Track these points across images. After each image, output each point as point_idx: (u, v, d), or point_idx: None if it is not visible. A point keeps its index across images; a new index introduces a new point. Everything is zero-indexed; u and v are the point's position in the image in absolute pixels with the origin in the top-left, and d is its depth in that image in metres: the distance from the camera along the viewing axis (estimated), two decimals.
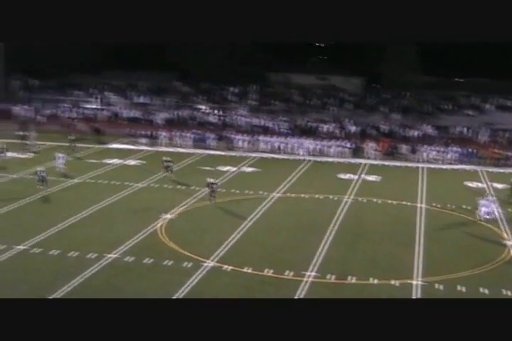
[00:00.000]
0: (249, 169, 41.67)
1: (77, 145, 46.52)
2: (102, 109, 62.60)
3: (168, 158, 39.31)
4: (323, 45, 79.20)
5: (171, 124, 55.98)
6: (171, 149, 47.95)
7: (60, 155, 39.62)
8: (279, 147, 48.51)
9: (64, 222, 28.41)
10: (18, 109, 61.41)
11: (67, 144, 46.10)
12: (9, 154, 43.12)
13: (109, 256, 24.13)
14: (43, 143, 48.30)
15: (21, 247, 24.90)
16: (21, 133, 51.60)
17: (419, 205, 33.09)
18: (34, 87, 70.63)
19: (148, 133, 50.70)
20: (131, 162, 42.61)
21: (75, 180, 36.72)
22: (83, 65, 71.35)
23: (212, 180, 33.29)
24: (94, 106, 63.45)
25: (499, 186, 37.75)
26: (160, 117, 58.78)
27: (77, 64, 71.44)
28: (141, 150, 46.90)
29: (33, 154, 44.62)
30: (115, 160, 42.71)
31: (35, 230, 27.08)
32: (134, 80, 69.22)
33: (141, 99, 64.92)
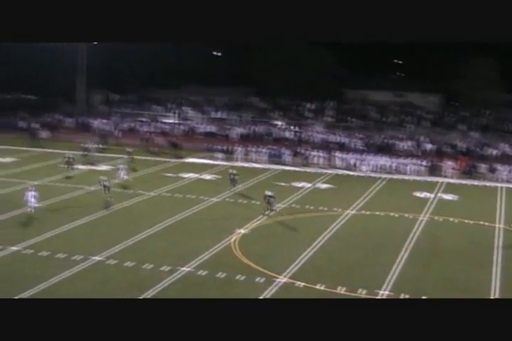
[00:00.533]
0: (324, 185, 41.49)
1: (134, 157, 47.26)
2: (179, 124, 63.56)
3: (235, 171, 39.74)
4: (401, 62, 78.52)
5: (246, 139, 56.36)
6: (246, 164, 48.24)
7: (121, 166, 40.79)
8: (354, 164, 48.17)
9: (139, 234, 28.88)
10: (97, 123, 63.02)
11: (126, 156, 47.03)
12: (82, 166, 44.19)
13: (183, 269, 24.35)
14: (120, 156, 49.36)
15: (97, 258, 25.42)
16: (100, 146, 52.96)
17: (497, 225, 32.27)
18: (114, 101, 72.38)
19: (224, 148, 51.14)
20: (207, 176, 43.03)
21: (152, 193, 37.33)
22: (162, 80, 72.77)
23: (269, 193, 33.45)
24: (171, 121, 64.51)
25: None
26: (236, 132, 59.28)
27: (157, 79, 72.90)
28: (217, 165, 47.35)
29: (90, 165, 45.69)
30: (191, 175, 43.24)
31: (111, 241, 27.62)
32: (212, 95, 70.12)
33: (218, 114, 65.65)
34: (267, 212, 32.95)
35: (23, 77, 75.36)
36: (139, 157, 49.63)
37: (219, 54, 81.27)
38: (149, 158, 49.96)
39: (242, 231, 29.96)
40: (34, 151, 50.96)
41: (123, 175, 40.11)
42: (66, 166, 43.49)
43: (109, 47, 67.90)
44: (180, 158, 50.10)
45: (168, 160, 49.14)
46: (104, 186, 35.48)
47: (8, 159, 47.42)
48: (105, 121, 63.72)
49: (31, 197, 32.08)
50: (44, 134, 57.01)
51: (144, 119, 65.18)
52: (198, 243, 27.74)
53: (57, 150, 49.70)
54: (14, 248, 26.53)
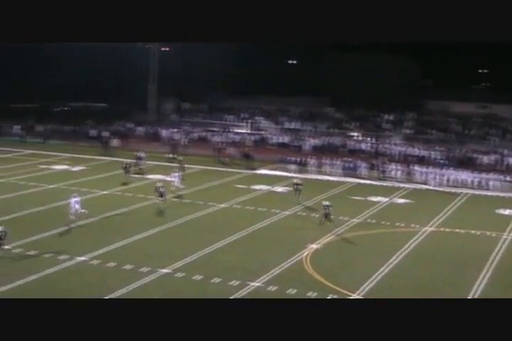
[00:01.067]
0: (402, 200, 40.97)
1: (186, 165, 47.69)
2: (252, 134, 63.93)
3: (299, 181, 39.97)
4: (486, 71, 76.97)
5: (320, 151, 56.24)
6: (319, 177, 48.09)
7: (176, 174, 41.70)
8: (434, 178, 47.38)
9: (209, 247, 29.09)
10: (167, 132, 64.02)
11: (177, 165, 47.48)
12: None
13: (252, 284, 24.38)
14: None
15: (165, 271, 25.71)
16: (170, 155, 53.71)
17: None
18: (185, 110, 73.40)
19: (297, 159, 51.10)
20: (279, 189, 43.07)
21: (222, 205, 37.60)
22: (235, 89, 73.36)
23: (327, 203, 33.51)
24: (243, 131, 64.95)
25: None
26: (310, 143, 59.23)
27: (229, 88, 73.54)
28: (290, 177, 47.30)
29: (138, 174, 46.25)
30: (262, 187, 43.36)
31: (179, 254, 27.91)
32: (286, 105, 70.29)
33: (292, 125, 65.74)
34: (322, 222, 33.11)
35: (94, 84, 77.36)
36: (210, 168, 50.19)
37: (294, 62, 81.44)
38: (220, 168, 50.38)
39: (315, 246, 29.84)
40: (104, 160, 52.04)
41: (177, 183, 41.01)
42: (123, 173, 44.61)
43: (181, 55, 69.03)
44: (252, 169, 50.34)
45: (239, 171, 49.44)
46: (160, 193, 36.36)
47: (77, 168, 48.62)
48: (175, 130, 64.67)
49: (75, 204, 33.00)
50: (114, 143, 58.32)
51: (215, 129, 65.87)
52: (269, 257, 27.75)
53: (127, 160, 50.55)
54: (81, 258, 27.12)
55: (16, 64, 75.85)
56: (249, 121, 67.57)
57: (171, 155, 53.90)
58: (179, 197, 39.40)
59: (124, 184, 42.69)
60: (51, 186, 41.62)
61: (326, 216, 32.98)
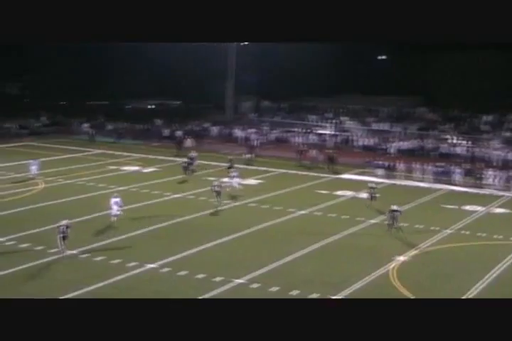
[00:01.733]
0: (500, 210, 39.99)
1: (236, 166, 47.94)
2: (336, 135, 63.67)
3: (374, 185, 40.38)
4: None
5: (411, 155, 55.52)
6: (408, 183, 47.45)
7: (235, 174, 43.20)
8: None
9: (287, 257, 29.05)
10: (243, 132, 64.39)
11: (228, 165, 48.16)
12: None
13: (333, 298, 24.24)
14: (271, 169, 50.08)
15: (239, 281, 25.79)
16: (247, 156, 54.02)
17: None
18: (264, 109, 73.68)
19: (385, 163, 50.52)
20: (364, 195, 42.64)
21: (302, 211, 37.51)
22: (319, 88, 73.23)
23: (395, 207, 33.60)
24: (327, 132, 64.73)
25: None
26: (399, 146, 58.57)
27: (312, 86, 73.47)
28: (376, 183, 46.82)
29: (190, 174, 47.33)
30: (347, 192, 43.05)
31: (255, 263, 27.97)
32: (373, 105, 69.74)
33: (380, 126, 65.15)
34: (388, 228, 33.52)
35: (169, 82, 78.57)
36: (290, 171, 50.19)
37: (383, 57, 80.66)
38: (301, 172, 50.33)
39: (402, 258, 29.42)
40: (177, 161, 52.64)
41: (235, 183, 42.46)
42: (183, 171, 46.76)
43: (261, 50, 69.28)
44: (336, 173, 50.09)
45: (322, 175, 49.25)
46: (216, 192, 37.95)
47: (148, 169, 49.39)
48: (253, 130, 64.99)
49: (114, 204, 33.99)
50: (188, 143, 58.95)
51: (296, 129, 65.88)
52: (352, 269, 27.53)
53: (200, 161, 51.07)
54: (151, 265, 27.49)
55: (90, 60, 77.87)
56: (334, 121, 67.30)
57: (247, 156, 54.17)
58: (256, 202, 39.54)
59: (181, 183, 43.46)
60: (121, 188, 42.36)
61: (393, 221, 33.25)
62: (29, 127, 67.12)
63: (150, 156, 52.05)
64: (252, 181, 46.32)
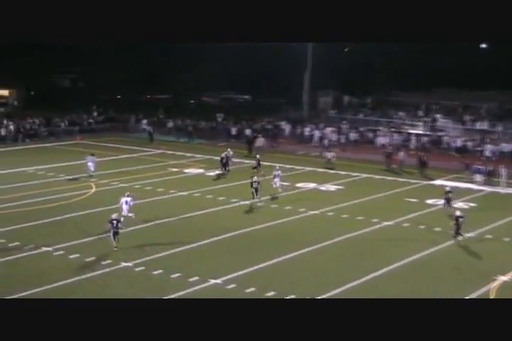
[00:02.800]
0: None
1: (279, 165, 47.73)
2: (427, 135, 62.98)
3: (448, 188, 40.58)
4: None
5: None
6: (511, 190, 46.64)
7: (277, 173, 43.69)
8: None
9: (370, 274, 28.88)
10: (321, 131, 64.19)
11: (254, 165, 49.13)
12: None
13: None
14: (352, 173, 49.85)
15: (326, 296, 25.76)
16: (330, 157, 53.90)
17: None
18: (345, 106, 73.33)
19: (486, 168, 49.61)
20: (460, 204, 41.99)
21: (389, 223, 37.18)
22: (408, 81, 72.53)
23: (460, 214, 34.24)
24: (417, 131, 64.05)
25: None
26: (502, 148, 57.60)
27: (401, 79, 72.77)
28: (475, 191, 46.15)
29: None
30: (440, 201, 42.42)
31: (333, 280, 27.91)
32: (471, 101, 68.69)
33: (479, 125, 64.18)
34: (453, 235, 34.03)
35: (235, 74, 79.03)
36: (375, 176, 49.85)
37: (484, 46, 79.26)
38: (388, 177, 49.98)
39: (504, 278, 28.86)
40: (245, 163, 52.79)
41: (277, 183, 43.35)
42: (220, 167, 49.43)
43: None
44: (428, 179, 49.52)
45: (412, 181, 48.76)
46: (256, 189, 40.35)
47: (213, 172, 49.61)
48: (331, 129, 64.76)
49: (124, 204, 34.84)
50: (259, 142, 58.87)
51: (381, 128, 65.41)
52: (443, 289, 27.24)
53: (272, 163, 51.08)
54: (216, 281, 27.62)
55: (149, 51, 78.98)
56: (426, 119, 66.56)
57: (328, 157, 54.07)
58: (334, 211, 39.38)
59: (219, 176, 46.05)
60: (182, 193, 42.69)
61: (457, 227, 33.80)
62: (81, 123, 68.21)
63: (215, 157, 52.29)
64: (330, 187, 46.19)
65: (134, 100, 79.85)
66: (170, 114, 71.83)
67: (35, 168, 49.50)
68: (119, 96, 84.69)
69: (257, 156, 50.22)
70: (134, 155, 56.62)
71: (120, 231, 31.65)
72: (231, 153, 50.80)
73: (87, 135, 65.10)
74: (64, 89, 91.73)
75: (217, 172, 49.59)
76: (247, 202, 40.74)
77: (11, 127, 62.42)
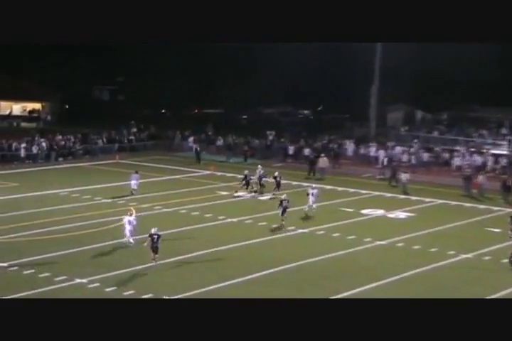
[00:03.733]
0: None
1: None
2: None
3: None
4: None
5: None
6: None
7: (313, 191, 44.62)
8: None
9: None
10: (389, 151, 63.66)
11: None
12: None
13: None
14: (425, 199, 49.43)
15: None
16: (390, 182, 53.63)
17: None
18: (418, 122, 72.89)
19: None
20: None
21: (465, 255, 36.71)
22: (490, 94, 71.97)
23: None
24: (502, 152, 63.36)
25: None
26: None
27: (481, 92, 72.22)
28: None
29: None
30: None
31: None
32: None
33: None
34: None
35: (293, 86, 79.12)
36: (451, 202, 49.37)
37: None
38: (467, 203, 49.67)
39: None
40: (303, 187, 52.60)
41: (312, 202, 44.18)
42: (242, 185, 50.20)
43: (413, 51, 68.55)
44: None
45: (494, 208, 48.18)
46: (285, 208, 41.11)
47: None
48: (403, 148, 64.29)
49: (127, 224, 35.69)
50: (323, 163, 58.38)
51: (459, 148, 64.81)
52: None
53: (338, 187, 50.89)
54: None
55: (198, 61, 79.58)
56: (511, 138, 65.83)
57: (389, 182, 53.77)
58: (405, 241, 38.98)
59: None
60: (233, 219, 42.61)
61: None
62: (120, 141, 68.66)
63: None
64: (400, 214, 45.86)
65: (180, 115, 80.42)
66: (219, 131, 72.04)
67: (69, 190, 49.80)
68: (163, 111, 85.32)
69: (275, 174, 50.63)
70: (179, 176, 56.77)
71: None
72: (262, 171, 51.47)
73: (126, 154, 65.61)
74: (103, 102, 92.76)
75: (242, 193, 50.08)
76: (305, 231, 40.53)
77: (43, 144, 62.92)
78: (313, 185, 46.30)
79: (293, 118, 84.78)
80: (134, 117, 74.67)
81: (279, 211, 41.43)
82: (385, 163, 60.15)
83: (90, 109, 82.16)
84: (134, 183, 48.43)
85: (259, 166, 52.57)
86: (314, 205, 44.18)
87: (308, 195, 44.33)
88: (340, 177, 56.35)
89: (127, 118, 74.09)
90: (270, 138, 69.56)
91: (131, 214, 36.23)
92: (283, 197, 42.22)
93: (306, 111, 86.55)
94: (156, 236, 33.13)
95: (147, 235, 33.80)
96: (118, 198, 47.27)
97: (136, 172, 49.55)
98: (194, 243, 37.24)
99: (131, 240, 35.74)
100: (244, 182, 50.09)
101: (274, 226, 41.24)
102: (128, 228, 35.77)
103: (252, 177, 50.79)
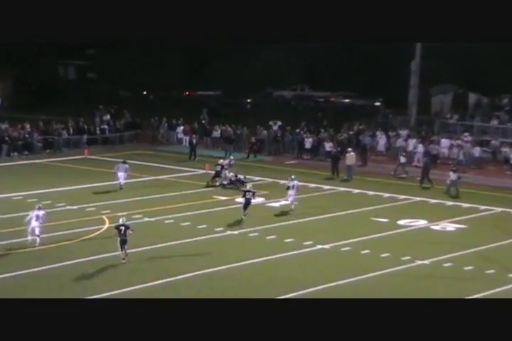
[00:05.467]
0: None
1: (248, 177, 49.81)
2: None
3: None
4: None
5: None
6: None
7: (293, 183, 46.73)
8: None
9: None
10: (433, 145, 63.49)
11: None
12: None
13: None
14: (483, 207, 49.39)
15: None
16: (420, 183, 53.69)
17: None
18: (472, 108, 72.69)
19: None
20: None
21: None
22: None
23: None
24: None
25: None
26: None
27: None
28: None
29: None
30: None
31: None
32: None
33: None
34: None
35: (316, 66, 79.00)
36: None
37: None
38: None
39: None
40: (323, 190, 52.47)
41: (291, 197, 46.53)
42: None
43: None
44: None
45: None
46: (248, 201, 44.21)
47: (280, 202, 49.20)
48: (451, 141, 64.06)
49: (34, 220, 36.89)
50: (350, 159, 57.99)
51: None
52: None
53: (369, 191, 50.75)
54: None
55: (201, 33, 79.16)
56: None
57: (420, 183, 53.94)
58: (453, 260, 38.83)
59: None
60: (232, 232, 42.59)
61: None
62: (90, 131, 68.26)
63: (282, 181, 51.99)
64: (448, 226, 45.99)
65: (167, 98, 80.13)
66: (217, 119, 71.79)
67: (23, 193, 49.57)
68: (145, 93, 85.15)
69: (220, 161, 53.52)
70: (165, 176, 56.67)
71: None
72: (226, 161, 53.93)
73: (98, 147, 65.45)
74: (68, 81, 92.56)
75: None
76: (326, 246, 40.32)
77: None
78: (293, 176, 47.37)
79: (311, 102, 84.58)
80: (108, 101, 74.44)
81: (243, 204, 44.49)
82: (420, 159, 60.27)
83: (53, 91, 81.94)
84: (121, 175, 49.32)
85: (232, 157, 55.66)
86: (293, 199, 46.23)
87: (288, 188, 46.24)
88: (371, 177, 56.30)
89: (100, 103, 73.85)
90: (275, 128, 69.13)
91: (39, 208, 37.03)
92: (247, 187, 45.09)
93: (327, 94, 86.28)
94: (122, 228, 35.67)
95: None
96: (86, 204, 47.03)
97: (124, 163, 50.52)
98: (182, 262, 37.09)
99: (30, 238, 36.67)
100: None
101: (289, 240, 41.07)
102: (33, 224, 36.45)
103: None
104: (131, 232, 36.17)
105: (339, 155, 59.26)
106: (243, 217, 44.08)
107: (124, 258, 35.83)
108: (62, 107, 72.29)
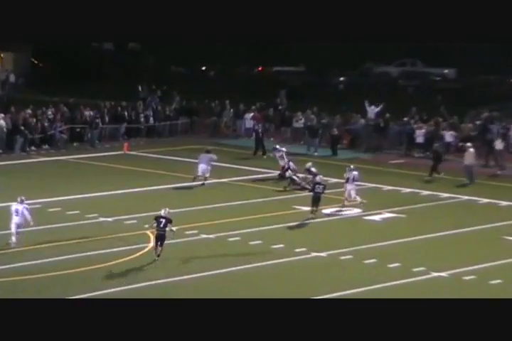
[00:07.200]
0: None
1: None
2: None
3: None
4: None
5: None
6: None
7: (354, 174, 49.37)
8: None
9: None
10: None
11: None
12: None
13: None
14: None
15: None
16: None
17: None
18: None
19: None
20: None
21: None
22: None
23: None
24: None
25: None
26: None
27: None
28: None
29: None
30: None
31: None
32: None
33: None
34: None
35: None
36: None
37: None
38: None
39: None
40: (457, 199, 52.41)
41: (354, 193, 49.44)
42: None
43: None
44: None
45: None
46: (318, 196, 47.55)
47: (383, 214, 48.90)
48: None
49: (15, 215, 38.81)
50: (469, 158, 57.39)
51: None
52: None
53: (499, 201, 50.39)
54: None
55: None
56: None
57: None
58: None
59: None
60: (320, 254, 42.18)
61: None
62: (131, 119, 68.06)
63: (385, 187, 51.69)
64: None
65: (233, 75, 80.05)
66: (298, 104, 71.50)
67: (43, 200, 49.46)
68: (204, 68, 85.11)
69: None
70: (230, 179, 56.38)
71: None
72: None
73: (141, 140, 65.41)
74: (104, 54, 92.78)
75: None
76: (443, 274, 39.72)
77: (2, 123, 62.23)
78: (352, 166, 49.82)
79: (423, 81, 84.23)
80: (155, 79, 74.51)
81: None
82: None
83: (82, 65, 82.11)
84: (203, 168, 51.18)
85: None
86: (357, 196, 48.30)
87: (347, 181, 49.10)
88: (500, 182, 55.68)
89: (144, 81, 73.91)
90: (371, 115, 68.77)
91: (22, 201, 38.64)
92: (317, 179, 48.71)
93: (445, 71, 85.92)
94: (163, 220, 38.56)
95: None
96: (125, 216, 46.81)
97: (208, 152, 52.57)
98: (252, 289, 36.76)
99: (14, 239, 38.65)
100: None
101: (393, 265, 40.51)
102: (15, 220, 38.16)
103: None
104: (173, 230, 38.96)
105: (442, 150, 58.78)
106: (311, 214, 46.38)
107: (158, 255, 38.55)
108: (94, 87, 72.31)
